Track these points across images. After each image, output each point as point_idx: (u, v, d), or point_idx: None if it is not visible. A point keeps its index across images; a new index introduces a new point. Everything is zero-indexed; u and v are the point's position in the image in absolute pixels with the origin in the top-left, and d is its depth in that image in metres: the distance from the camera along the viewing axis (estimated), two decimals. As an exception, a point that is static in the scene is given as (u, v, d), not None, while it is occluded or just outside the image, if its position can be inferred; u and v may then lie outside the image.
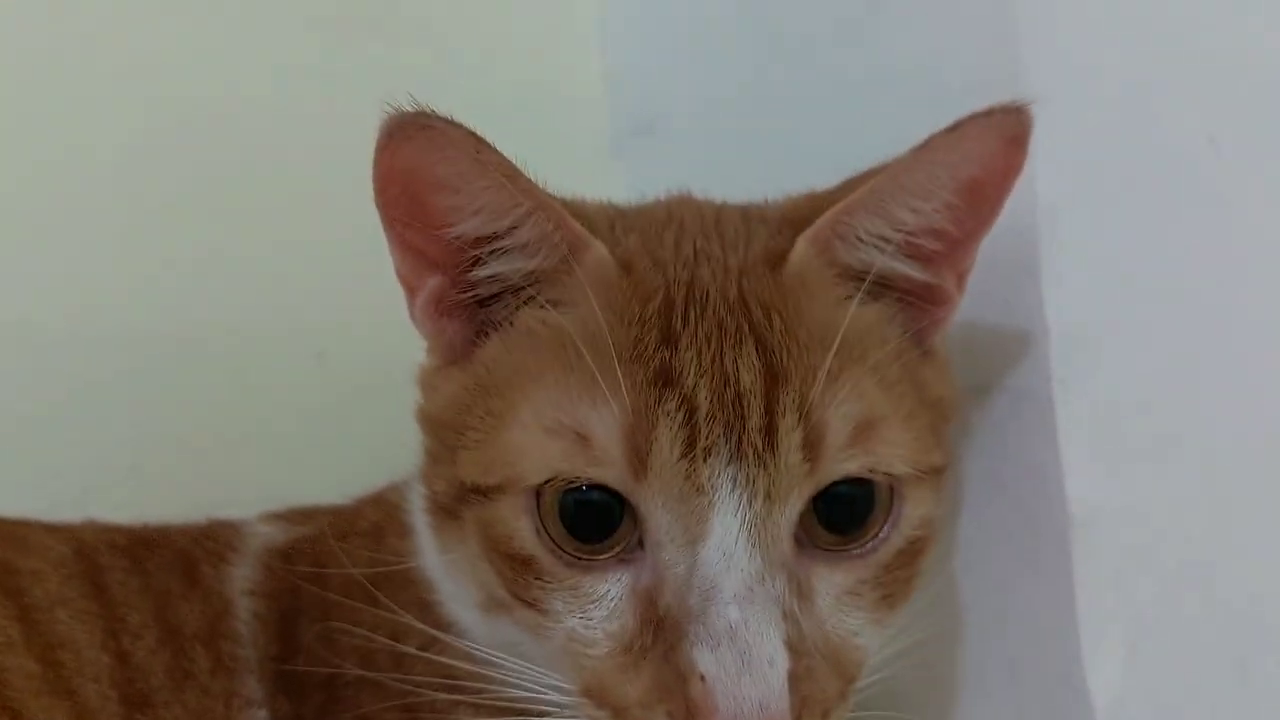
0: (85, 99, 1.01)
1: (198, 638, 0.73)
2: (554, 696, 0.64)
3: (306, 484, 0.86)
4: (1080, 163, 0.72)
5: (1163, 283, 0.73)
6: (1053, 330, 0.72)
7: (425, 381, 0.71)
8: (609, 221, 0.70)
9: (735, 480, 0.61)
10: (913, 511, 0.66)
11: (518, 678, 0.65)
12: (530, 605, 0.63)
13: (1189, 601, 0.73)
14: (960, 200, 0.67)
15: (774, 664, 0.59)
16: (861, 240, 0.67)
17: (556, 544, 0.62)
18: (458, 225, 0.65)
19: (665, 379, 0.62)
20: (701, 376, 0.62)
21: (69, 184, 1.00)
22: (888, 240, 0.67)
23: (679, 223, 0.71)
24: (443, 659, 0.68)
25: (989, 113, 0.64)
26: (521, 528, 0.63)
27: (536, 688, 0.65)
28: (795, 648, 0.61)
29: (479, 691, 0.67)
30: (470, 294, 0.68)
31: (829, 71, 0.92)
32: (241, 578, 0.77)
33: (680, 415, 0.61)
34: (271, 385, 1.03)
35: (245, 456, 1.01)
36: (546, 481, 0.62)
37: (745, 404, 0.62)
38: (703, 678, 0.58)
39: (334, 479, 0.85)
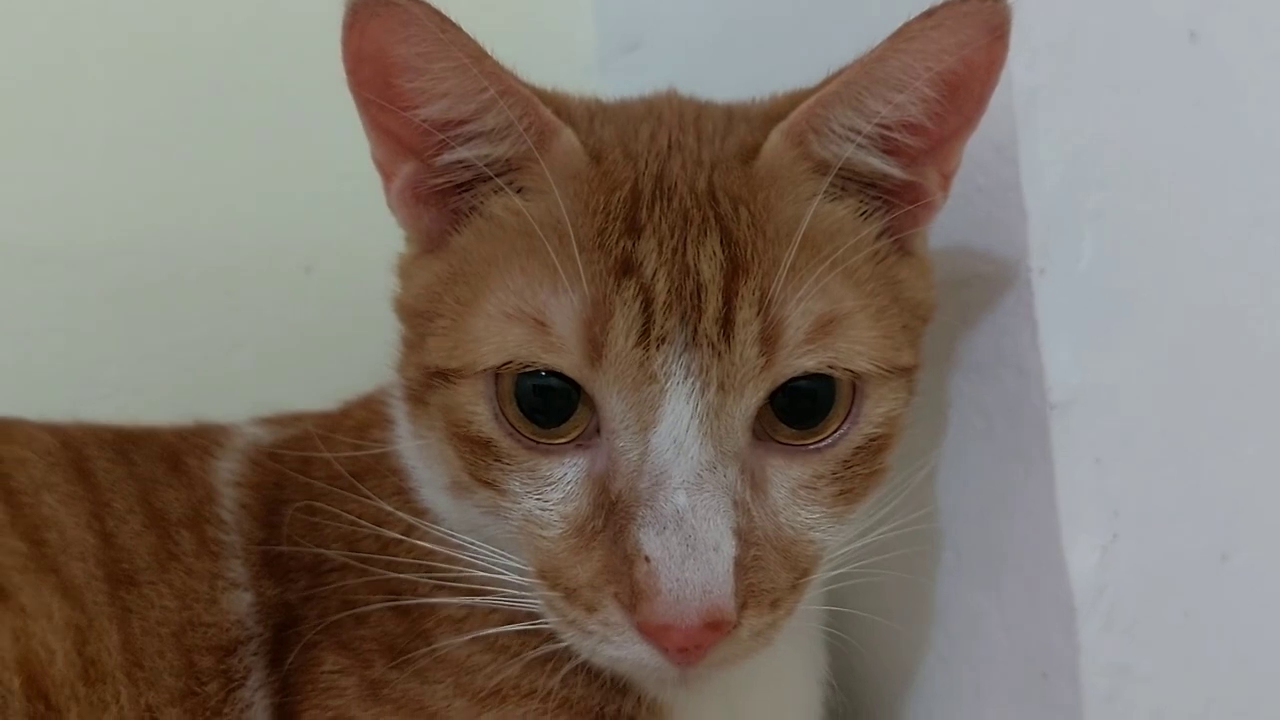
0: (75, 14, 1.01)
1: (182, 522, 0.74)
2: (512, 578, 0.65)
3: (294, 394, 0.86)
4: (1059, 51, 0.72)
5: (1142, 172, 0.73)
6: (1031, 218, 0.72)
7: (403, 270, 0.72)
8: (588, 114, 0.70)
9: (688, 369, 0.61)
10: (874, 409, 0.66)
11: (482, 560, 0.66)
12: (489, 486, 0.64)
13: (1169, 489, 0.73)
14: (937, 93, 0.66)
15: (719, 550, 0.60)
16: (835, 133, 0.67)
17: (514, 427, 0.63)
18: (424, 108, 0.65)
19: (626, 268, 0.62)
20: (661, 266, 0.62)
21: (60, 99, 1.01)
22: (861, 133, 0.66)
23: (658, 116, 0.71)
24: (422, 544, 0.69)
25: (965, 0, 0.63)
26: (480, 411, 0.63)
27: (496, 569, 0.65)
28: (744, 537, 0.61)
29: (452, 575, 0.67)
30: (443, 180, 0.68)
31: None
32: (226, 469, 0.78)
33: (637, 304, 0.61)
34: (262, 298, 1.04)
35: (235, 368, 1.02)
36: (504, 365, 0.62)
37: (704, 295, 0.62)
38: (648, 560, 0.59)
39: (321, 390, 0.85)
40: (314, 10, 1.02)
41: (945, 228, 0.74)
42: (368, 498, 0.71)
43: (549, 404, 0.63)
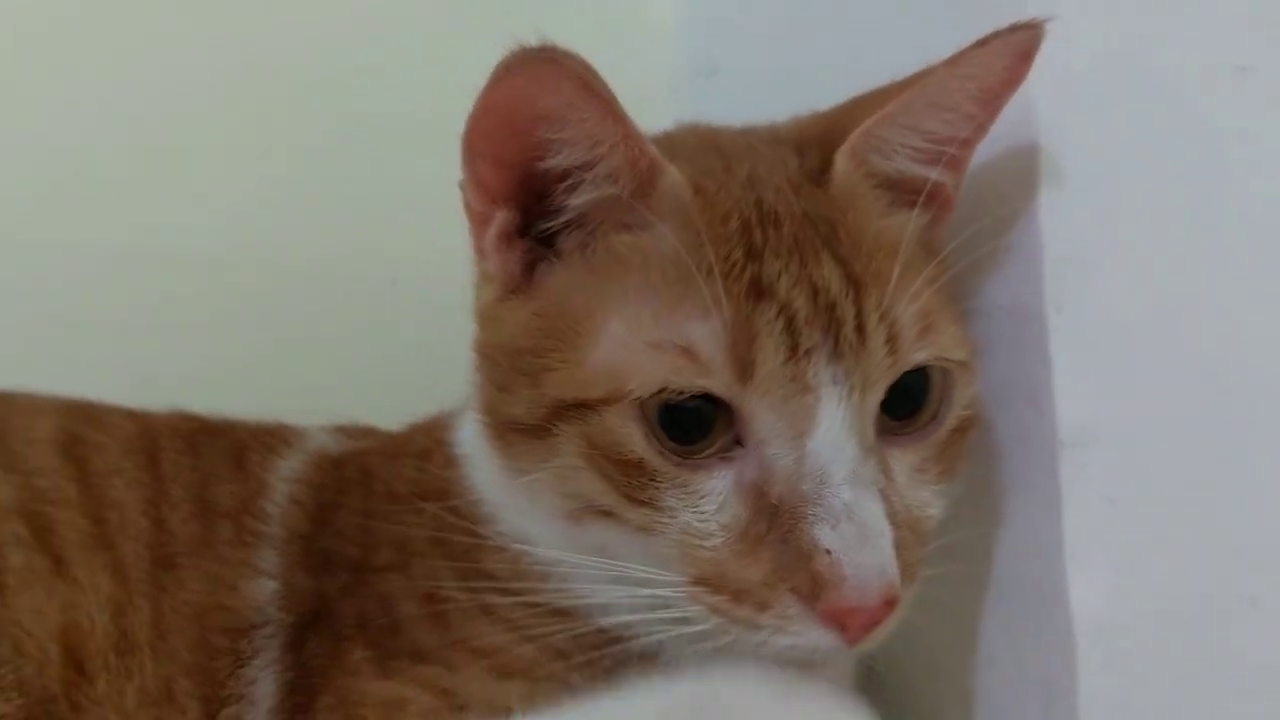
0: (178, 34, 1.09)
1: (227, 514, 0.80)
2: (656, 592, 0.68)
3: (378, 402, 0.91)
4: (1085, 84, 0.72)
5: (1162, 207, 0.72)
6: (1048, 252, 0.72)
7: (488, 314, 0.74)
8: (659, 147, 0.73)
9: (835, 376, 0.67)
10: (962, 393, 0.72)
11: (605, 579, 0.70)
12: (645, 504, 0.67)
13: (1189, 531, 0.73)
14: (978, 109, 0.73)
15: (884, 534, 0.66)
16: (895, 151, 0.73)
17: (664, 446, 0.67)
18: (551, 158, 0.69)
19: (758, 291, 0.67)
20: (793, 287, 0.67)
21: (165, 118, 1.09)
22: (918, 149, 0.73)
23: (717, 148, 0.75)
24: (485, 563, 0.74)
25: (1012, 30, 0.70)
26: (632, 433, 0.67)
27: (623, 586, 0.69)
28: (892, 520, 0.67)
29: (518, 593, 0.73)
30: (547, 225, 0.72)
31: (887, 12, 0.93)
32: (288, 468, 0.84)
33: (780, 323, 0.66)
34: (349, 309, 1.11)
35: (322, 374, 1.09)
36: (658, 393, 0.66)
37: (839, 308, 0.67)
38: (829, 552, 0.64)
39: (402, 399, 0.89)
40: (406, 31, 1.10)
41: (966, 257, 0.75)
42: (429, 518, 0.76)
43: (694, 422, 0.67)
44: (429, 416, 0.87)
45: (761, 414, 0.66)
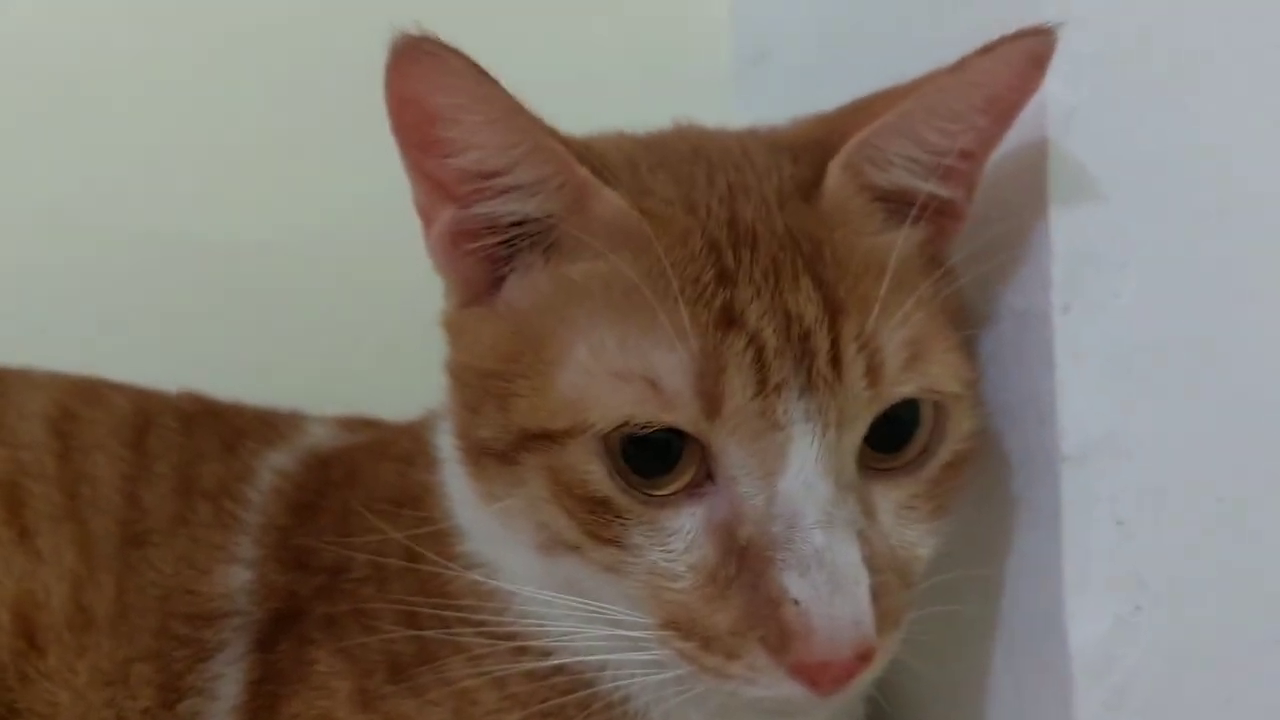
0: (235, 22, 1.11)
1: (206, 494, 0.79)
2: (628, 633, 0.65)
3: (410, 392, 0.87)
4: (1096, 77, 0.67)
5: (1182, 210, 0.66)
6: (1056, 249, 0.66)
7: (454, 326, 0.71)
8: (628, 160, 0.69)
9: (807, 412, 0.62)
10: (957, 426, 0.67)
11: (578, 617, 0.67)
12: (610, 542, 0.64)
13: (1205, 560, 0.66)
14: (985, 120, 0.67)
15: (859, 582, 0.61)
16: (892, 163, 0.68)
17: (627, 482, 0.64)
18: (457, 157, 0.66)
19: (728, 320, 0.63)
20: (764, 315, 0.63)
21: (248, 113, 1.11)
22: (917, 161, 0.68)
23: (706, 158, 0.70)
24: (451, 585, 0.71)
25: (1020, 35, 0.64)
26: (594, 469, 0.64)
27: (596, 625, 0.66)
28: (871, 564, 0.62)
29: (481, 622, 0.69)
30: (483, 230, 0.68)
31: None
32: (277, 460, 0.82)
33: (749, 355, 0.62)
34: (383, 296, 1.07)
35: (355, 361, 1.09)
36: (620, 426, 0.63)
37: (813, 338, 0.62)
38: (796, 602, 0.60)
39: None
40: (479, 23, 1.09)
41: (978, 256, 0.70)
42: (405, 526, 0.73)
43: (659, 454, 0.63)
44: (415, 418, 0.83)
45: (731, 451, 0.62)
